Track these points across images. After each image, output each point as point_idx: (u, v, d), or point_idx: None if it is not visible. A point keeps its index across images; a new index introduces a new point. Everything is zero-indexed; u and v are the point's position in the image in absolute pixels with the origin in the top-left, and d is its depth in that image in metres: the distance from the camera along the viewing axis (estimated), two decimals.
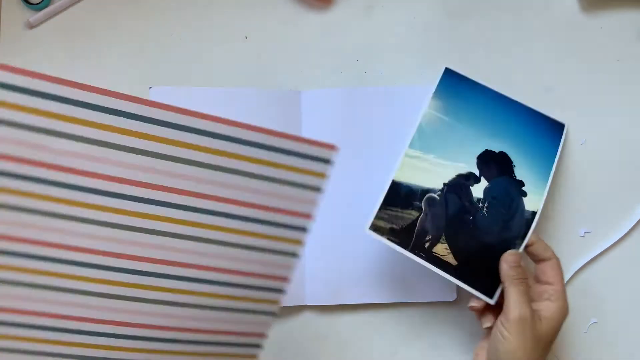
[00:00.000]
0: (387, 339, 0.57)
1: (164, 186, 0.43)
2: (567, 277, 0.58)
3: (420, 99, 0.59)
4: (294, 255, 0.46)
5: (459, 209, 0.54)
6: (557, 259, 0.52)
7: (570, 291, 0.57)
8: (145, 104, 0.43)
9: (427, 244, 0.53)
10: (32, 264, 0.43)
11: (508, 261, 0.51)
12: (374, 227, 0.53)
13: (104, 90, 0.41)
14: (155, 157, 0.43)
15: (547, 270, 0.51)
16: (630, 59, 0.60)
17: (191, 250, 0.45)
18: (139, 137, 0.43)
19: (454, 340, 0.57)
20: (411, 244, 0.53)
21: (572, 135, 0.59)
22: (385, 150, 0.58)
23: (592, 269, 0.58)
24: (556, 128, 0.57)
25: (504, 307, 0.49)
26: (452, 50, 0.60)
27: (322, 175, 0.45)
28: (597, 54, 0.60)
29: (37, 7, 0.60)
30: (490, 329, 0.51)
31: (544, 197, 0.55)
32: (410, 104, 0.59)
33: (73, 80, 0.40)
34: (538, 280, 0.52)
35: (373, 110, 0.59)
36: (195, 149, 0.43)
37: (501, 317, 0.49)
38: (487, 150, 0.56)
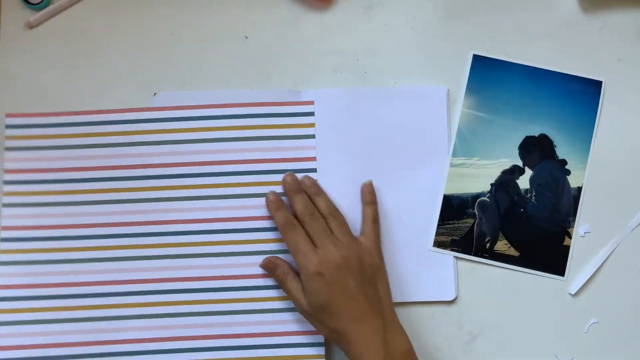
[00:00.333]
0: None
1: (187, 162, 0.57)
2: (567, 277, 0.58)
3: (421, 98, 0.59)
4: None
5: (510, 205, 0.57)
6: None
7: (570, 291, 0.58)
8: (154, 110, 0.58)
9: (487, 245, 0.57)
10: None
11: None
12: (437, 244, 0.56)
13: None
14: (176, 143, 0.57)
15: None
16: (631, 59, 0.60)
17: (218, 206, 0.57)
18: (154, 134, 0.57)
19: (454, 340, 0.57)
20: (473, 249, 0.57)
21: None
22: (386, 150, 0.58)
23: (592, 269, 0.58)
24: (593, 87, 0.58)
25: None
26: (452, 50, 0.60)
27: (310, 125, 0.58)
28: (597, 54, 0.60)
29: (37, 7, 0.60)
30: None
31: (587, 169, 0.57)
32: (411, 104, 0.59)
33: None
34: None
35: (373, 111, 0.59)
36: (203, 130, 0.57)
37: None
38: (527, 137, 0.58)
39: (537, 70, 0.59)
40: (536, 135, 0.58)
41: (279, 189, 0.57)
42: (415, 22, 0.61)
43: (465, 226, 0.58)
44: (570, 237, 0.58)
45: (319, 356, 0.55)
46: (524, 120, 0.58)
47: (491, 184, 0.58)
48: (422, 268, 0.57)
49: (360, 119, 0.59)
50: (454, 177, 0.58)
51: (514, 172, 0.58)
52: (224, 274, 0.56)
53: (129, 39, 0.60)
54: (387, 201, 0.57)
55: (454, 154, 0.58)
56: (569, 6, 0.61)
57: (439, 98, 0.59)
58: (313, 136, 0.58)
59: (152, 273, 0.56)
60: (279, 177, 0.57)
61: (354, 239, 0.54)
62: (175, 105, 0.58)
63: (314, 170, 0.57)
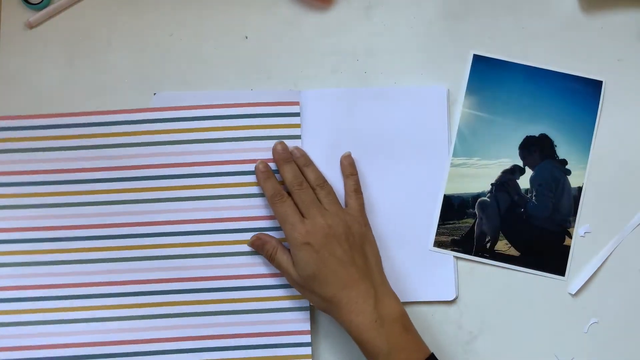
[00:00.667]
0: None
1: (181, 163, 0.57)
2: (567, 276, 0.58)
3: (421, 98, 0.59)
4: None
5: (510, 204, 0.57)
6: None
7: (570, 291, 0.58)
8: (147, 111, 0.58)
9: (488, 245, 0.57)
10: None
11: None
12: (438, 244, 0.57)
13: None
14: (172, 144, 0.57)
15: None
16: (631, 59, 0.60)
17: (215, 206, 0.57)
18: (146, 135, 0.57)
19: (454, 340, 0.57)
20: (474, 249, 0.57)
21: None
22: (386, 150, 0.58)
23: (592, 269, 0.58)
24: (593, 87, 0.58)
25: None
26: (452, 50, 0.60)
27: (296, 125, 0.58)
28: (597, 54, 0.60)
29: (37, 7, 0.60)
30: None
31: (587, 169, 0.57)
32: (411, 104, 0.59)
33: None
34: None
35: (373, 111, 0.59)
36: (192, 131, 0.57)
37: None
38: (527, 137, 0.58)
39: (537, 70, 0.59)
40: (536, 135, 0.58)
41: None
42: (415, 22, 0.61)
43: (465, 226, 0.58)
44: (570, 237, 0.58)
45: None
46: (525, 120, 0.58)
47: (491, 184, 0.58)
48: (422, 268, 0.57)
49: (360, 119, 0.59)
50: (455, 177, 0.58)
51: (514, 172, 0.58)
52: (222, 274, 0.56)
53: (129, 39, 0.60)
54: (388, 201, 0.57)
55: (455, 154, 0.58)
56: (569, 6, 0.61)
57: (439, 98, 0.59)
58: (298, 137, 0.58)
59: (150, 274, 0.56)
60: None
61: (341, 208, 0.55)
62: (174, 105, 0.58)
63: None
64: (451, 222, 0.58)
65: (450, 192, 0.58)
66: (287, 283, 0.56)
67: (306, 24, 0.61)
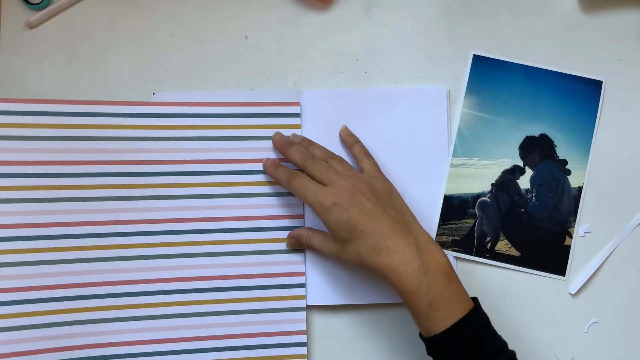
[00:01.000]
0: (387, 339, 0.57)
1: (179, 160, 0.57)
2: (567, 276, 0.58)
3: (421, 99, 0.59)
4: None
5: (510, 205, 0.58)
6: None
7: (570, 291, 0.58)
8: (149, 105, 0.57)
9: (488, 245, 0.57)
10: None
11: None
12: (438, 244, 0.55)
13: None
14: (170, 140, 0.57)
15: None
16: (631, 59, 0.60)
17: (209, 205, 0.57)
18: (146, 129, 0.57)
19: None
20: (474, 249, 0.57)
21: None
22: (385, 149, 0.58)
23: (593, 269, 0.58)
24: (593, 87, 0.58)
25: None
26: (452, 50, 0.60)
27: (296, 126, 0.58)
28: (597, 54, 0.60)
29: (37, 7, 0.60)
30: None
31: (587, 169, 0.58)
32: (411, 104, 0.59)
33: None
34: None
35: (373, 111, 0.59)
36: (192, 128, 0.57)
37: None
38: (527, 137, 0.58)
39: (537, 70, 0.59)
40: (536, 135, 0.58)
41: (278, 188, 0.57)
42: (415, 22, 0.61)
43: (466, 226, 0.58)
44: (570, 237, 0.58)
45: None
46: (524, 120, 0.58)
47: (492, 184, 0.58)
48: None
49: (361, 119, 0.59)
50: (455, 177, 0.58)
51: (514, 172, 0.58)
52: (218, 275, 0.56)
53: (129, 39, 0.60)
54: None
55: (455, 154, 0.58)
56: (569, 6, 0.61)
57: (439, 98, 0.59)
58: None
59: (144, 273, 0.55)
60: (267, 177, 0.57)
61: (358, 172, 0.54)
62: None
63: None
64: (451, 222, 0.58)
65: (451, 192, 0.58)
66: (285, 283, 0.55)
67: (306, 24, 0.61)
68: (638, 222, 0.58)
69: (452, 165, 0.58)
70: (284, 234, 0.56)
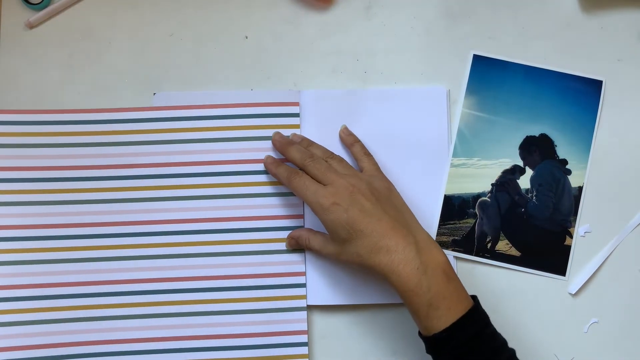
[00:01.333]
0: (386, 339, 0.57)
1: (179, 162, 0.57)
2: (568, 276, 0.58)
3: (421, 99, 0.59)
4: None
5: (511, 205, 0.58)
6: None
7: (570, 291, 0.57)
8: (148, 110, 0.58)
9: (489, 245, 0.57)
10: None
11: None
12: (438, 244, 0.55)
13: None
14: (170, 143, 0.57)
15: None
16: (631, 59, 0.60)
17: (205, 206, 0.57)
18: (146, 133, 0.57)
19: None
20: (475, 249, 0.57)
21: None
22: (386, 150, 0.58)
23: (593, 269, 0.58)
24: (593, 87, 0.58)
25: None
26: (452, 50, 0.60)
27: (296, 126, 0.58)
28: (597, 54, 0.60)
29: (37, 7, 0.60)
30: None
31: (587, 169, 0.58)
32: (411, 105, 0.59)
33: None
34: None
35: (373, 111, 0.59)
36: (192, 131, 0.57)
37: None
38: (527, 137, 0.58)
39: (537, 70, 0.59)
40: (536, 135, 0.58)
41: (278, 189, 0.57)
42: (415, 22, 0.61)
43: (466, 226, 0.58)
44: (571, 237, 0.58)
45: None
46: (525, 120, 0.58)
47: (492, 184, 0.58)
48: None
49: (361, 119, 0.59)
50: (455, 177, 0.58)
51: (514, 172, 0.58)
52: (219, 274, 0.56)
53: (129, 39, 0.60)
54: None
55: (455, 154, 0.58)
56: (569, 6, 0.61)
57: (439, 98, 0.59)
58: None
59: (145, 273, 0.56)
60: (268, 177, 0.57)
61: (357, 171, 0.54)
62: (174, 105, 0.58)
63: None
64: (452, 222, 0.58)
65: (451, 192, 0.58)
66: (285, 283, 0.56)
67: (306, 24, 0.61)
68: (638, 222, 0.58)
69: (452, 165, 0.58)
70: (285, 234, 0.56)
